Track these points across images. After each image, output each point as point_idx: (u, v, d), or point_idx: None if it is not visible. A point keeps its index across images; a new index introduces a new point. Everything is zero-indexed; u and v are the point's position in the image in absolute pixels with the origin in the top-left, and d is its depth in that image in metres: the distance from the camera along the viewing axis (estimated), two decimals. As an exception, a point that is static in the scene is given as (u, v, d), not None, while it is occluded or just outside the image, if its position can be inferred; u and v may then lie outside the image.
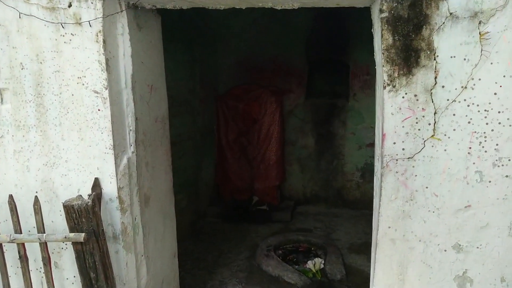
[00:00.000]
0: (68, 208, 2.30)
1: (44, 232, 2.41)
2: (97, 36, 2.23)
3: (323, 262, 4.18)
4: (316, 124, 5.70)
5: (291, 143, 5.82)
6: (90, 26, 2.22)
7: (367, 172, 5.55)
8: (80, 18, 2.23)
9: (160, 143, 2.88)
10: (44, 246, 2.44)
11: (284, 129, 5.72)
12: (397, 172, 2.10)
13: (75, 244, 2.36)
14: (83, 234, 2.30)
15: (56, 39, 2.29)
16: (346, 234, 5.02)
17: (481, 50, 1.91)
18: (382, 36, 1.98)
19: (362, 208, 5.41)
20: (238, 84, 5.68)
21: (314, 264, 4.12)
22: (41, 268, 2.52)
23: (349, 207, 5.73)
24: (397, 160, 2.09)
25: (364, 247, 4.49)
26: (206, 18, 5.22)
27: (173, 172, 4.23)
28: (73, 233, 2.32)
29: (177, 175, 4.52)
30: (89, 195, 2.34)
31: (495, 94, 1.95)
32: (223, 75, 5.76)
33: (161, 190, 2.92)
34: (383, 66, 2.00)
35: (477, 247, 2.15)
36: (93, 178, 2.43)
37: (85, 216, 2.30)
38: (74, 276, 2.57)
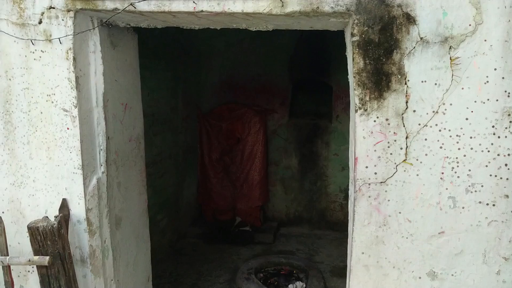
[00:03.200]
0: (33, 230, 2.22)
1: (8, 255, 2.32)
2: (67, 53, 2.19)
3: (304, 285, 4.11)
4: (300, 144, 5.68)
5: (274, 163, 5.77)
6: (61, 43, 2.19)
7: (351, 193, 5.51)
8: (51, 35, 2.19)
9: (134, 163, 2.82)
10: (7, 269, 2.34)
11: (267, 149, 5.68)
12: (369, 197, 2.07)
13: (39, 267, 2.28)
14: (47, 257, 2.22)
15: (25, 56, 2.25)
16: (329, 256, 4.95)
17: (452, 75, 1.91)
18: (353, 60, 1.96)
19: (345, 230, 5.30)
20: (221, 102, 5.65)
21: None
22: (3, 292, 2.41)
23: (332, 228, 5.67)
24: (369, 184, 2.05)
25: (346, 271, 4.41)
26: (190, 37, 5.22)
27: (153, 191, 4.17)
28: (37, 256, 2.24)
29: (157, 194, 4.47)
30: (56, 217, 2.27)
31: (467, 119, 1.94)
32: (206, 94, 5.74)
33: (134, 212, 2.84)
34: (355, 89, 1.98)
35: (452, 275, 2.10)
36: (61, 199, 2.36)
37: (50, 239, 2.22)
38: (40, 301, 2.46)
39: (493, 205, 2.00)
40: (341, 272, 4.47)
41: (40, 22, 2.19)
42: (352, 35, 1.94)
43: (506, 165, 1.95)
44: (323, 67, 5.41)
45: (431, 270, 2.12)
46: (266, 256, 4.80)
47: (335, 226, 5.66)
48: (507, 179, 1.96)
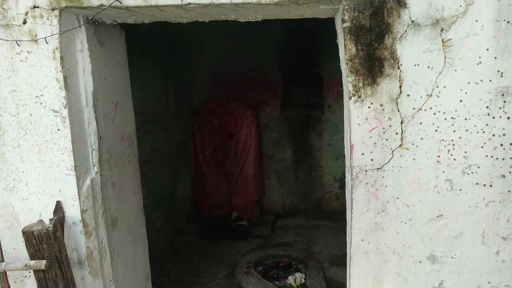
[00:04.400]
0: (28, 235, 2.19)
1: (3, 261, 2.28)
2: (54, 53, 2.15)
3: (304, 276, 4.12)
4: (293, 136, 5.67)
5: (268, 156, 5.76)
6: (47, 43, 2.14)
7: (345, 183, 5.52)
8: (36, 35, 2.15)
9: (128, 162, 2.78)
10: (3, 275, 2.31)
11: (260, 142, 5.66)
12: (367, 184, 2.06)
13: (37, 272, 2.24)
14: (44, 261, 2.18)
15: (11, 58, 2.20)
16: (327, 246, 4.97)
17: (445, 57, 1.90)
18: (345, 46, 1.95)
19: (342, 219, 5.30)
20: (212, 98, 5.62)
21: (295, 279, 4.04)
22: (1, 299, 2.38)
23: (329, 218, 5.68)
24: (366, 171, 2.04)
25: (345, 259, 4.35)
26: (178, 32, 5.17)
27: (148, 190, 4.14)
28: (34, 261, 2.21)
29: (152, 193, 4.44)
30: (51, 220, 2.23)
31: (461, 101, 1.93)
32: (197, 90, 5.70)
33: (130, 211, 2.81)
34: (348, 76, 1.97)
35: (452, 257, 2.11)
36: (55, 202, 2.32)
37: (46, 242, 2.19)
38: (39, 306, 2.43)
39: (490, 185, 2.00)
40: (339, 261, 4.49)
41: (24, 22, 2.14)
42: (343, 21, 1.92)
43: (501, 145, 1.95)
44: (313, 58, 5.40)
45: (431, 254, 2.12)
46: (264, 249, 4.80)
47: (331, 216, 5.68)
48: (503, 159, 1.96)
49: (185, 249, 5.01)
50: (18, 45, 2.17)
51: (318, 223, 5.67)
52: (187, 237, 5.34)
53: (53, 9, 2.10)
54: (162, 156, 4.82)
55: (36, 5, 2.11)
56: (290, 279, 4.03)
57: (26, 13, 2.13)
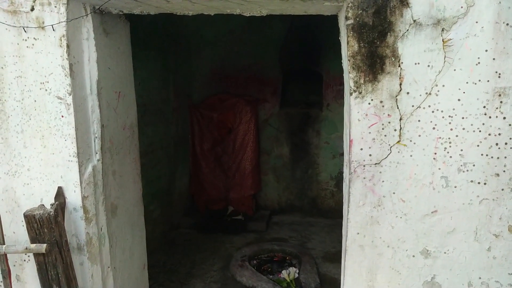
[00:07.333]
0: (29, 218, 2.22)
1: (4, 244, 2.31)
2: (61, 40, 2.17)
3: (297, 271, 4.16)
4: (291, 133, 5.72)
5: (266, 152, 5.81)
6: (54, 30, 2.17)
7: (341, 181, 5.56)
8: (43, 22, 2.17)
9: (129, 151, 2.82)
10: (3, 258, 2.33)
11: (259, 138, 5.70)
12: (364, 178, 2.11)
13: (36, 255, 2.27)
14: (44, 245, 2.21)
15: (18, 44, 2.22)
16: (321, 243, 5.02)
17: (445, 57, 1.94)
18: (348, 43, 1.99)
19: (336, 217, 5.41)
20: (212, 93, 5.66)
21: (289, 273, 4.09)
22: (0, 281, 2.41)
23: (324, 216, 5.74)
24: (364, 166, 2.09)
25: (338, 256, 4.48)
26: (180, 27, 5.19)
27: (145, 182, 4.16)
28: (34, 244, 2.24)
29: (149, 185, 4.47)
30: (52, 205, 2.26)
31: (459, 100, 1.98)
32: (197, 84, 5.73)
33: (130, 200, 2.84)
34: (349, 73, 2.01)
35: (445, 252, 2.16)
36: (57, 187, 2.35)
37: (47, 226, 2.22)
38: (37, 290, 2.46)
39: (485, 183, 2.05)
40: (333, 257, 4.55)
41: (32, 9, 2.16)
42: (347, 18, 1.96)
43: (496, 144, 2.00)
44: (313, 56, 5.44)
45: (424, 249, 2.17)
46: (259, 244, 4.85)
47: (326, 213, 5.74)
48: (498, 158, 2.02)
49: (180, 241, 5.05)
50: (25, 31, 2.19)
51: (313, 220, 5.73)
52: (183, 230, 5.39)
53: (61, -3, 2.13)
54: (160, 149, 4.85)
55: (44, -8, 2.13)
56: (284, 273, 4.08)
57: (34, 1, 2.15)
